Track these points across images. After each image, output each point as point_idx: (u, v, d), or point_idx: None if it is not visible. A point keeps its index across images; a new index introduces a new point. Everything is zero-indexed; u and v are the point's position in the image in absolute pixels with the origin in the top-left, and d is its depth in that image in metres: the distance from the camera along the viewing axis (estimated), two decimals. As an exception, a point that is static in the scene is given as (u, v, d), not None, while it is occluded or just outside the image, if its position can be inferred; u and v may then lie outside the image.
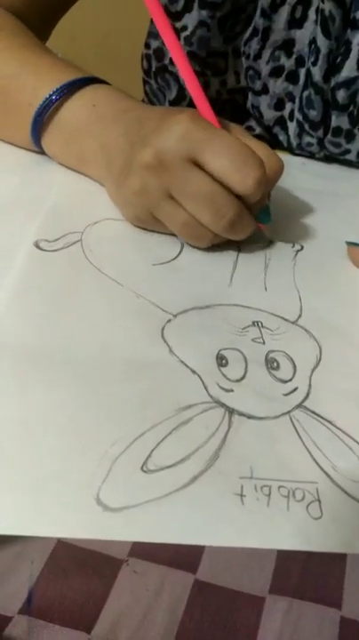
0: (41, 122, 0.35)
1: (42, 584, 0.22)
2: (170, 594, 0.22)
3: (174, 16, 0.41)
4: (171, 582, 0.22)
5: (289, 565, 0.23)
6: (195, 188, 0.29)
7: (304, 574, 0.23)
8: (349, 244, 0.33)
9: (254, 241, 0.33)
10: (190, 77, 0.31)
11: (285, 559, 0.23)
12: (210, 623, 0.21)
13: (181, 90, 0.44)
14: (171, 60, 0.43)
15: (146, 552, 0.23)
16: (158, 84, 0.46)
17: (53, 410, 0.23)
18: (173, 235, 0.32)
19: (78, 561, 0.23)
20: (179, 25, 0.41)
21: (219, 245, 0.32)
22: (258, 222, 0.32)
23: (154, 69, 0.45)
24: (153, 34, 0.44)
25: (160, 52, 0.44)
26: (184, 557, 0.23)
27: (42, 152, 0.37)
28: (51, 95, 0.34)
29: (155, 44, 0.44)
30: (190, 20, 0.41)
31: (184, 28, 0.41)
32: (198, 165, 0.29)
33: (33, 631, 0.21)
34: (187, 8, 0.40)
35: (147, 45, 0.45)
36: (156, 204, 0.30)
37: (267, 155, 0.31)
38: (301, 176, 0.33)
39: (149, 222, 0.32)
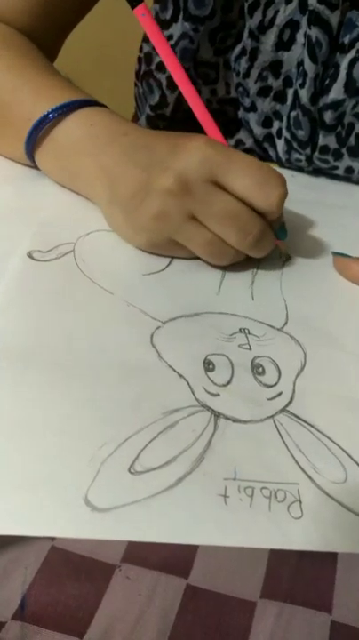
0: (35, 137, 0.35)
1: (35, 589, 0.22)
2: (162, 599, 0.22)
3: (163, 24, 0.41)
4: (164, 587, 0.22)
5: (280, 570, 0.23)
6: (221, 209, 0.29)
7: (295, 579, 0.23)
8: (335, 254, 0.34)
9: (272, 258, 0.33)
10: (198, 104, 0.32)
11: (276, 564, 0.23)
12: (202, 627, 0.22)
13: (163, 96, 0.44)
14: (157, 65, 0.43)
15: (138, 558, 0.23)
16: (143, 88, 0.46)
17: (46, 411, 0.23)
18: (182, 258, 0.32)
19: (71, 567, 0.23)
20: (166, 33, 0.42)
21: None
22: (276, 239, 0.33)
23: (142, 72, 0.46)
24: (146, 37, 0.44)
25: (149, 57, 0.44)
26: (176, 563, 0.23)
27: (36, 167, 0.38)
28: (48, 112, 0.34)
29: (146, 47, 0.44)
30: (175, 30, 0.41)
31: (170, 37, 0.41)
32: (220, 187, 0.30)
33: (26, 636, 0.21)
34: (174, 18, 0.41)
35: (141, 49, 0.45)
36: (177, 227, 0.31)
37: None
38: (290, 187, 0.33)
39: (164, 247, 0.32)
